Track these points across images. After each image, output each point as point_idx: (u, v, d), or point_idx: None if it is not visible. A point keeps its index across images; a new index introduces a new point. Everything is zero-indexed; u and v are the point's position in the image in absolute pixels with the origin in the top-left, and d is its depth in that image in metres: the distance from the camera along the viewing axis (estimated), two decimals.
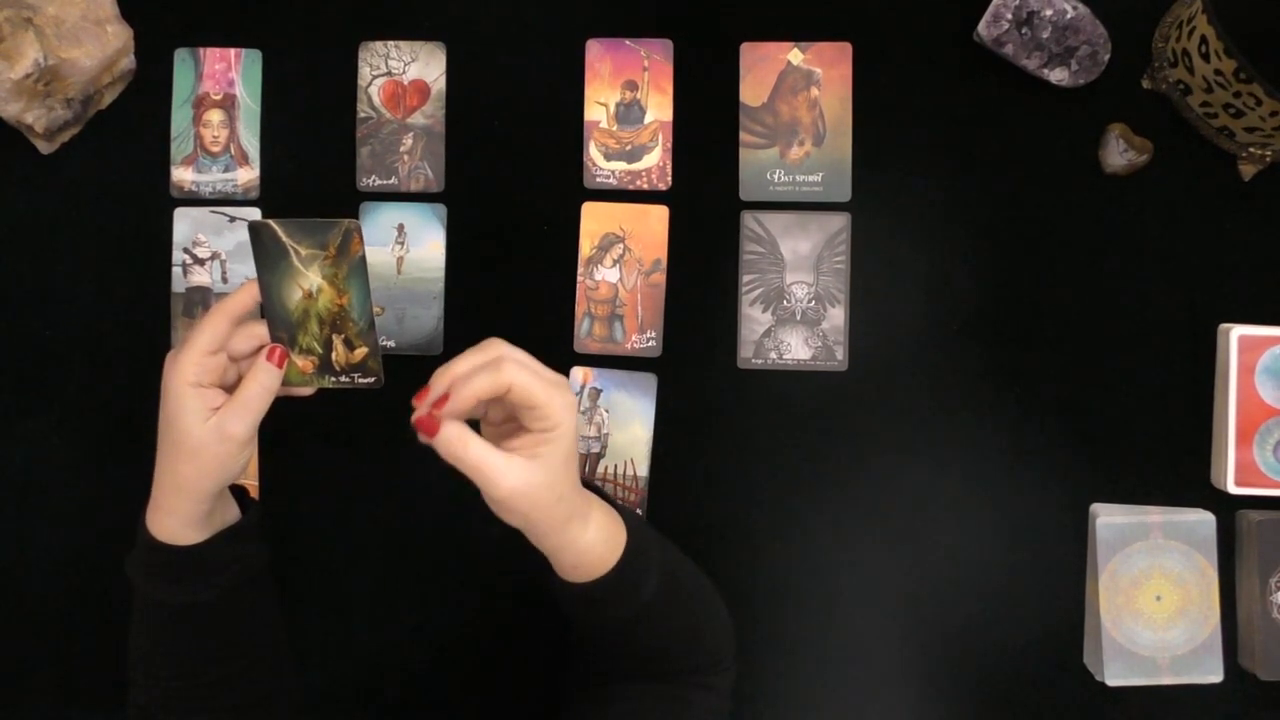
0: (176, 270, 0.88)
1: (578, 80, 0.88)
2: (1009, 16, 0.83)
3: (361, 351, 0.69)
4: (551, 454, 0.62)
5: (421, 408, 0.62)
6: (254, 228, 0.66)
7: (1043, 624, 0.86)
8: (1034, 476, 0.86)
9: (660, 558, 0.68)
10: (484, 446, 0.61)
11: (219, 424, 0.64)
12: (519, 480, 0.61)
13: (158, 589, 0.68)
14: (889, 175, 0.87)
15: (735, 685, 0.73)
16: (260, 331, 0.67)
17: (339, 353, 0.69)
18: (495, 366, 0.61)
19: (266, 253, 0.66)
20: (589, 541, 0.64)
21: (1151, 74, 0.85)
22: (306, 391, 0.69)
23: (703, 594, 0.73)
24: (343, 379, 0.69)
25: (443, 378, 0.62)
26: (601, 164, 0.88)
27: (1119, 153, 0.85)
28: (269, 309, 0.67)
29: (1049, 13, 0.83)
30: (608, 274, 0.87)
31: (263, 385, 0.65)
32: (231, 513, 0.71)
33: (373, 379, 0.69)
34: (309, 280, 0.67)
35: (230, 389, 0.66)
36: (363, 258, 0.67)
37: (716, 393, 0.87)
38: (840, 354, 0.87)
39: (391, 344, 0.87)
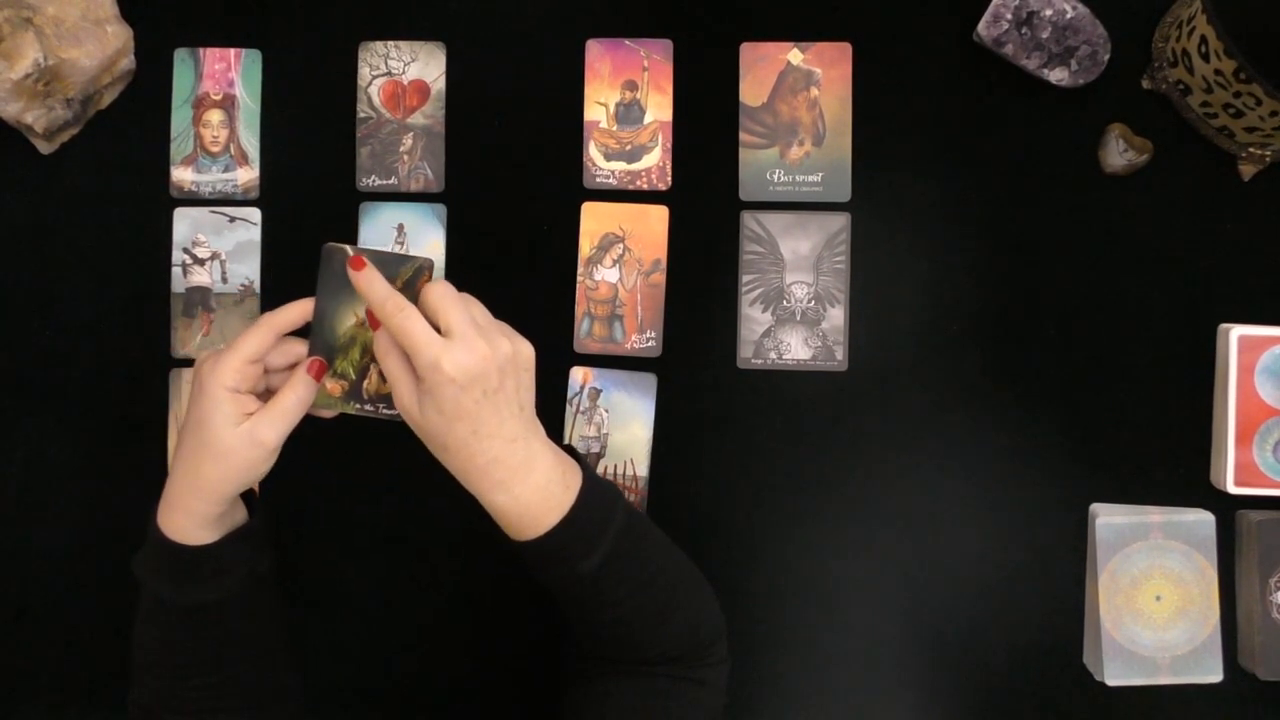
0: (176, 270, 0.88)
1: (578, 80, 0.88)
2: (1009, 16, 0.83)
3: None
4: (425, 403, 0.64)
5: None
6: (328, 251, 0.67)
7: (1043, 624, 0.86)
8: (1034, 476, 0.86)
9: (615, 544, 0.68)
10: (399, 362, 0.65)
11: (251, 429, 0.65)
12: (404, 404, 0.65)
13: (166, 588, 0.68)
14: (889, 175, 0.87)
15: (730, 681, 0.73)
16: (299, 350, 0.68)
17: (373, 382, 0.69)
18: (398, 299, 0.64)
19: (334, 277, 0.67)
20: (498, 505, 0.66)
21: (1151, 74, 0.85)
22: (328, 414, 0.70)
23: (680, 583, 0.72)
24: (367, 407, 0.70)
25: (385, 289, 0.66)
26: (601, 164, 0.88)
27: (1119, 153, 0.85)
28: (317, 330, 0.68)
29: (1049, 13, 0.83)
30: (608, 274, 0.87)
31: (299, 397, 0.67)
32: (240, 514, 0.71)
33: (395, 412, 0.69)
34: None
35: (261, 398, 0.66)
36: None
37: (716, 393, 0.87)
38: (840, 354, 0.87)
39: None
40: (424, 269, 0.67)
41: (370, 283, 0.65)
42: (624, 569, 0.68)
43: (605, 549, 0.67)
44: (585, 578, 0.67)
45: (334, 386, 0.69)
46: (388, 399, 0.69)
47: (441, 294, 0.65)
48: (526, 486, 0.66)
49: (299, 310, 0.67)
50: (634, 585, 0.69)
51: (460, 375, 0.63)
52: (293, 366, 0.68)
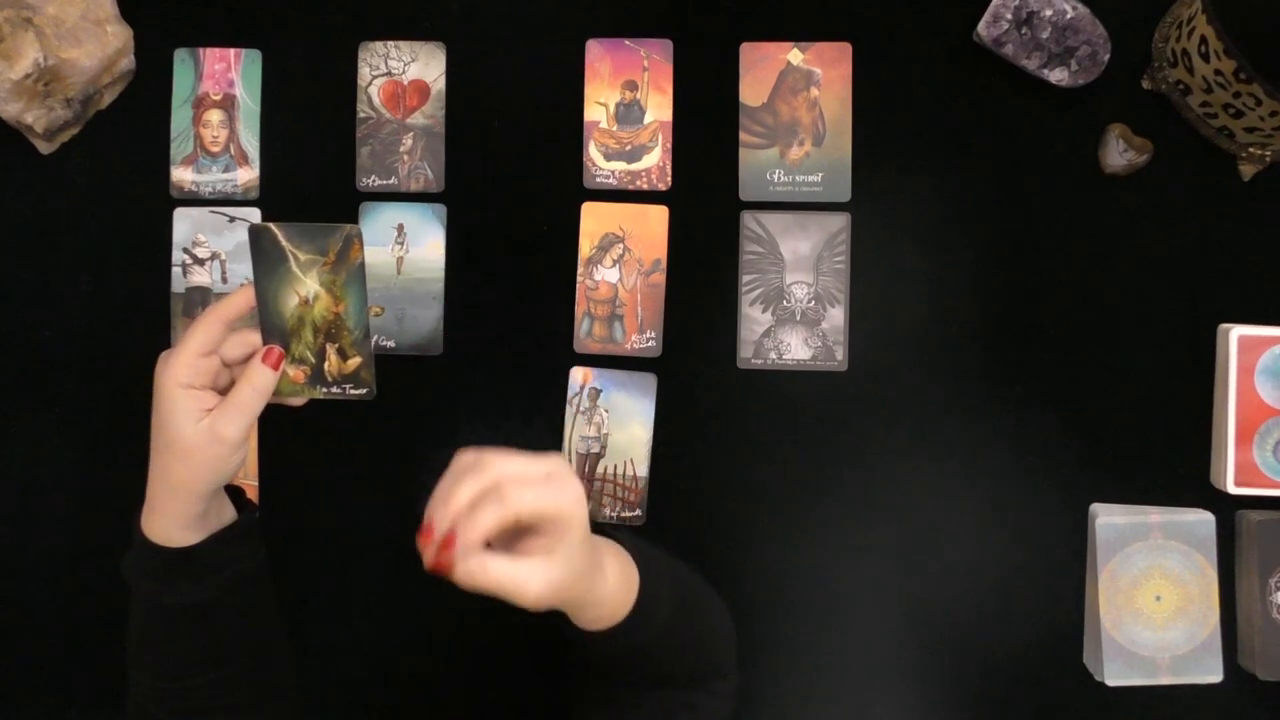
0: (176, 270, 0.88)
1: (578, 80, 0.88)
2: (1009, 16, 0.83)
3: (355, 362, 0.68)
4: (570, 544, 0.59)
5: (430, 552, 0.59)
6: (254, 231, 0.66)
7: (1043, 624, 0.86)
8: (1034, 476, 0.86)
9: (671, 583, 0.67)
10: (502, 563, 0.58)
11: (211, 426, 0.64)
12: (544, 583, 0.58)
13: (153, 590, 0.68)
14: (889, 175, 0.87)
15: (737, 687, 0.73)
16: (253, 339, 0.66)
17: (332, 363, 0.68)
18: (498, 496, 0.57)
19: (265, 257, 0.66)
20: (609, 592, 0.63)
21: (1151, 74, 0.85)
22: (297, 402, 0.69)
23: (708, 606, 0.72)
24: (334, 390, 0.69)
25: (442, 514, 0.59)
26: (601, 164, 0.88)
27: (1119, 153, 0.85)
28: (264, 316, 0.67)
29: (1049, 13, 0.83)
30: (608, 274, 0.87)
31: (256, 387, 0.65)
32: (227, 513, 0.71)
33: (364, 390, 0.68)
34: (306, 287, 0.67)
35: (223, 392, 0.66)
36: (362, 264, 0.66)
37: (716, 393, 0.87)
38: (840, 354, 0.87)
39: (391, 344, 0.87)
40: (353, 237, 0.66)
41: (471, 529, 0.58)
42: (684, 608, 0.67)
43: (669, 593, 0.66)
44: (659, 629, 0.65)
45: (297, 373, 0.68)
46: (352, 379, 0.68)
47: (521, 487, 0.58)
48: (610, 559, 0.63)
49: (242, 297, 0.66)
50: (688, 623, 0.68)
51: (586, 505, 0.60)
52: (251, 357, 0.66)
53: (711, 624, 0.72)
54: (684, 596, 0.68)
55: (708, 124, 0.88)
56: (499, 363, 0.88)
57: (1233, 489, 0.83)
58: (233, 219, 0.88)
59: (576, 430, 0.87)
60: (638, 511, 0.87)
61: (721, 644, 0.72)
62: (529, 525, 0.59)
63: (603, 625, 0.63)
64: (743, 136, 0.88)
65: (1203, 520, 0.83)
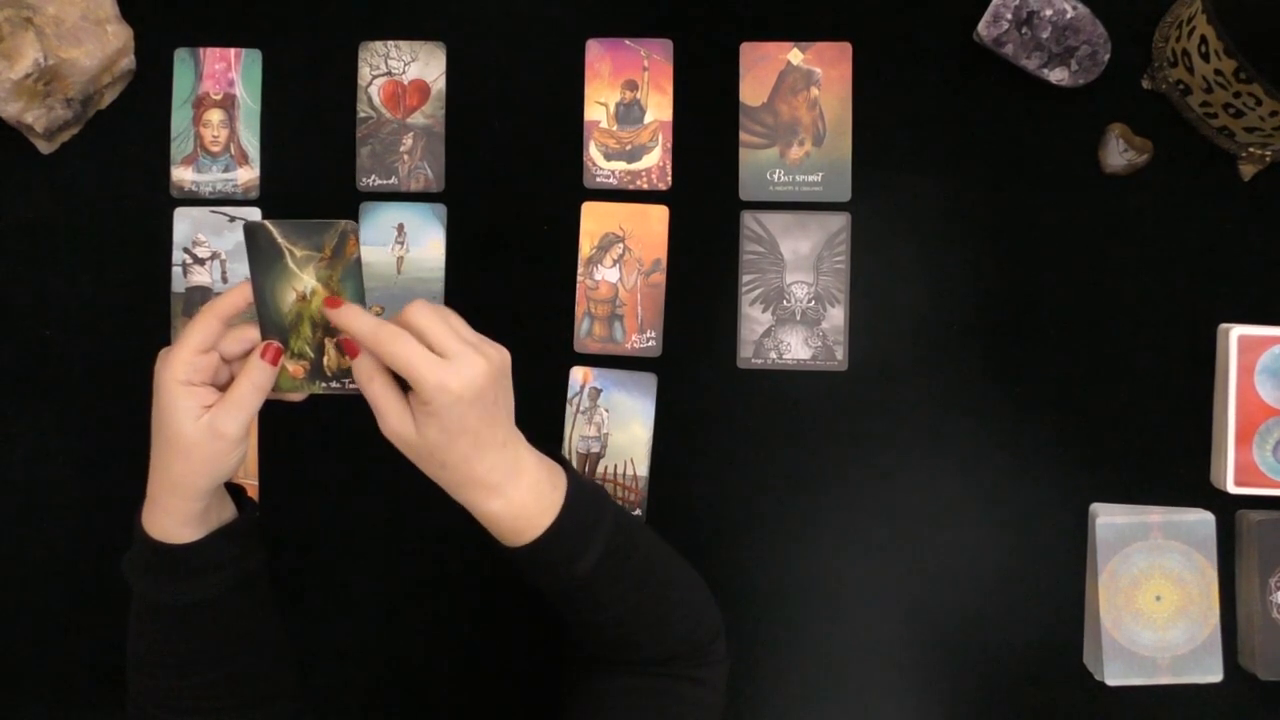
0: (176, 270, 0.88)
1: (578, 80, 0.88)
2: (1009, 16, 0.83)
3: None
4: (426, 424, 0.63)
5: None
6: (249, 229, 0.66)
7: (1043, 624, 0.86)
8: (1034, 476, 0.86)
9: (609, 541, 0.68)
10: (385, 386, 0.64)
11: (211, 422, 0.64)
12: (396, 428, 0.64)
13: (154, 588, 0.68)
14: (889, 175, 0.87)
15: (729, 681, 0.73)
16: (252, 334, 0.66)
17: (331, 357, 0.68)
18: (391, 332, 0.63)
19: (261, 254, 0.66)
20: (494, 512, 0.66)
21: (1151, 74, 0.85)
22: (297, 397, 0.69)
23: (676, 581, 0.72)
24: (334, 384, 0.69)
25: (375, 313, 0.66)
26: (601, 164, 0.88)
27: (1119, 153, 0.85)
28: (261, 312, 0.67)
29: (1049, 13, 0.83)
30: (608, 274, 0.87)
31: (255, 383, 0.65)
32: (228, 511, 0.71)
33: None
34: (303, 282, 0.67)
35: (223, 388, 0.66)
36: (358, 259, 0.66)
37: (716, 393, 0.87)
38: (840, 354, 0.87)
39: None
40: (349, 233, 0.66)
41: (352, 319, 0.64)
42: (620, 567, 0.68)
43: (600, 546, 0.67)
44: (582, 579, 0.66)
45: (296, 369, 0.68)
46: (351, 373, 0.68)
47: (425, 314, 0.64)
48: (519, 489, 0.66)
49: (239, 293, 0.66)
50: (631, 584, 0.69)
51: (469, 392, 0.62)
52: (250, 352, 0.66)
53: (677, 602, 0.72)
54: (626, 560, 0.69)
55: (708, 124, 0.88)
56: None
57: (1233, 489, 0.83)
58: (233, 219, 0.88)
59: (577, 430, 0.87)
60: (638, 511, 0.87)
61: (695, 624, 0.72)
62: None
63: (504, 540, 0.67)
64: (743, 136, 0.88)
65: (1203, 520, 0.83)
